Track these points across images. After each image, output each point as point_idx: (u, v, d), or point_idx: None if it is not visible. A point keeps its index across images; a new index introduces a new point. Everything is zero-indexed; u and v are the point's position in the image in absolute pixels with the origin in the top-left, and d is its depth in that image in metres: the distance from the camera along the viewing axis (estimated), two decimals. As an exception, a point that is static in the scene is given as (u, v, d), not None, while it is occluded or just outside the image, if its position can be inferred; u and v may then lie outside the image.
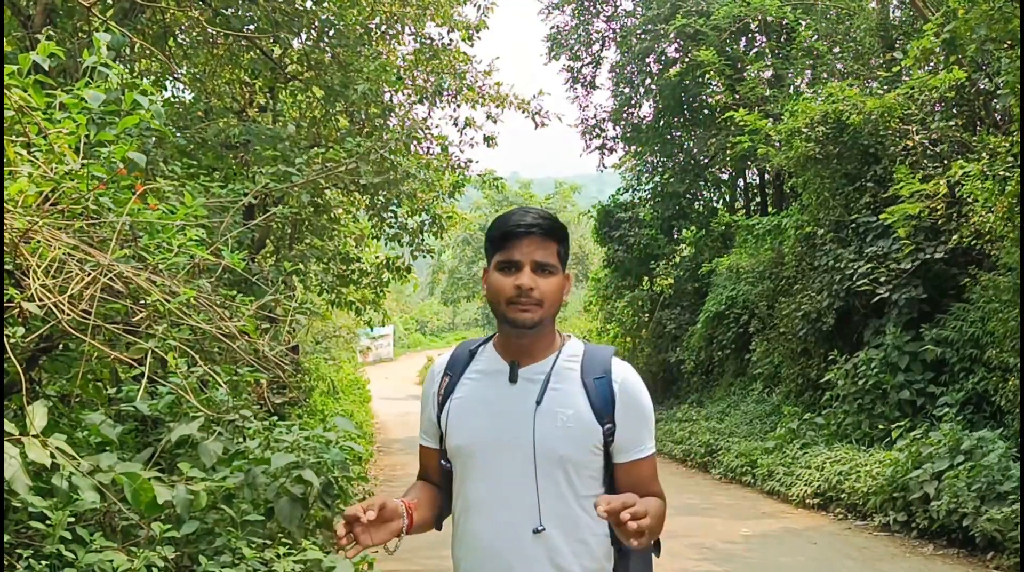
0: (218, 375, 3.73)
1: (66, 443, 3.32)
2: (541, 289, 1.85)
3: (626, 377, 1.92)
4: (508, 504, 1.87)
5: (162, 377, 3.94)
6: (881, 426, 9.67)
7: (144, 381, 3.24)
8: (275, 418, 5.43)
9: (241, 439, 4.82)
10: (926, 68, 10.07)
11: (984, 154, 8.53)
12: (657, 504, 1.91)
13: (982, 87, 9.93)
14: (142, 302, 3.23)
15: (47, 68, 3.48)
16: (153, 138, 5.74)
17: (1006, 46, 8.37)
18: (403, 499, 1.90)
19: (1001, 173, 8.02)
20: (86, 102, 3.49)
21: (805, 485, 9.79)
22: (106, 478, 3.12)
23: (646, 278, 18.53)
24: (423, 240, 11.69)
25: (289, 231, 11.19)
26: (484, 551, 1.89)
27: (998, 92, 8.84)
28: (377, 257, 12.46)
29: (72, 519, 3.21)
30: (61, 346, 3.81)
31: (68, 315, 2.95)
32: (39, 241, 3.11)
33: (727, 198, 20.09)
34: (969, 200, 8.50)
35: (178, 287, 3.30)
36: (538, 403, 1.87)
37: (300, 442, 4.82)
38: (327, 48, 8.88)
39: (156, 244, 3.59)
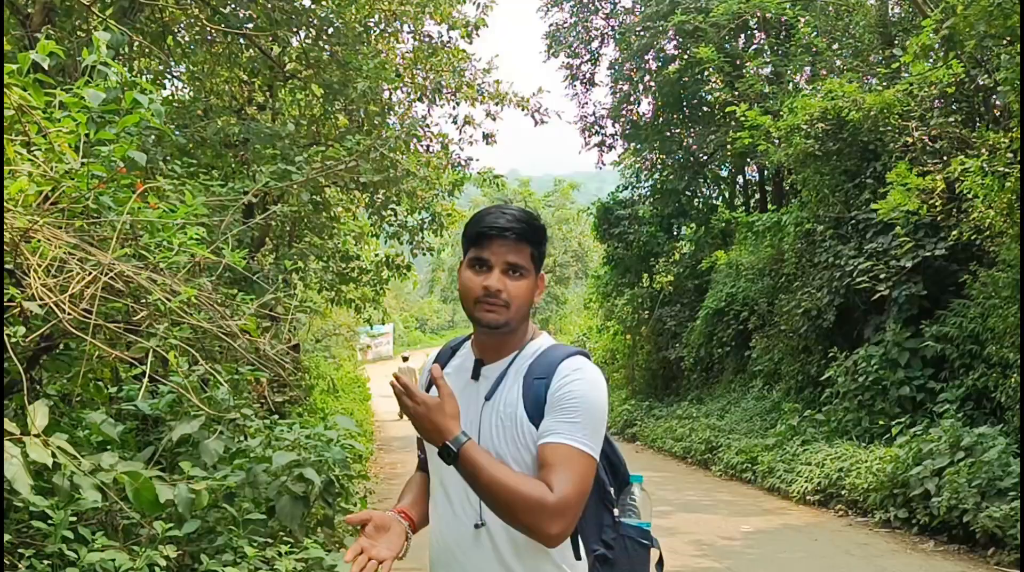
0: (219, 374, 3.73)
1: (67, 442, 3.31)
2: (509, 291, 1.84)
3: (565, 376, 1.82)
4: (456, 498, 1.88)
5: (163, 376, 3.94)
6: (881, 422, 9.68)
7: (145, 380, 3.24)
8: (276, 417, 5.43)
9: (242, 438, 4.82)
10: (926, 64, 10.05)
11: (984, 150, 8.53)
12: (513, 475, 1.75)
13: (981, 83, 9.93)
14: (143, 301, 3.23)
15: (46, 67, 3.47)
16: (153, 136, 5.74)
17: (1005, 42, 8.37)
18: (393, 509, 1.95)
19: (1001, 169, 8.02)
20: (85, 101, 3.48)
21: (806, 482, 9.80)
22: (107, 477, 3.11)
23: (646, 275, 18.53)
24: (423, 238, 11.70)
25: (289, 229, 11.17)
26: (437, 543, 1.93)
27: (997, 88, 8.83)
28: (376, 255, 12.46)
29: (74, 518, 3.21)
30: (62, 345, 3.80)
31: (69, 314, 2.95)
32: (39, 240, 3.11)
33: (727, 195, 20.08)
34: (969, 196, 8.50)
35: (179, 286, 3.30)
36: (487, 399, 1.88)
37: (301, 440, 4.82)
38: (326, 46, 8.86)
39: (156, 243, 3.58)
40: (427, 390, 1.99)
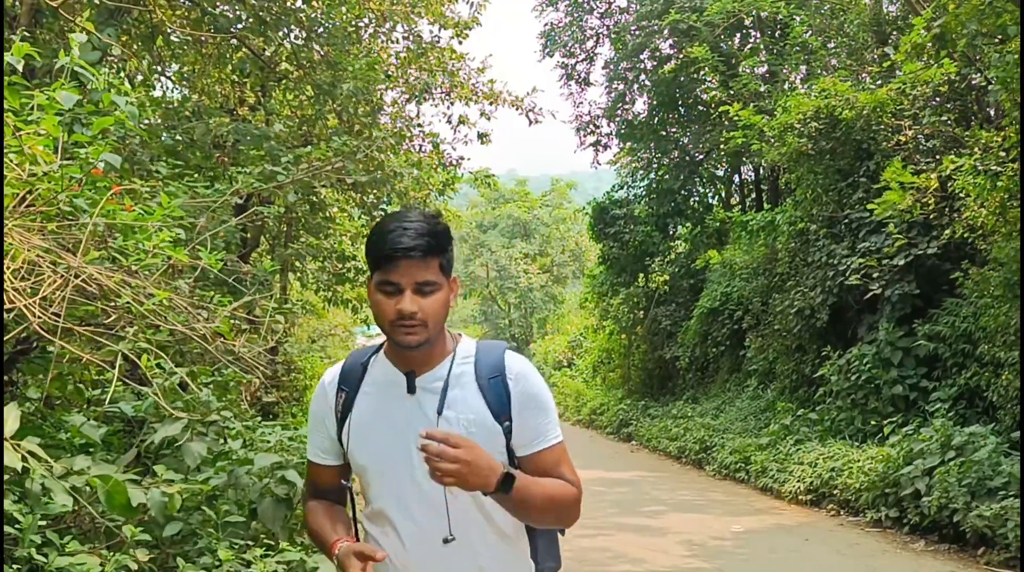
0: (196, 376, 3.71)
1: (49, 445, 3.29)
2: (424, 310, 1.79)
3: (519, 372, 1.90)
4: (416, 518, 1.85)
5: (140, 379, 3.92)
6: (874, 422, 9.67)
7: (114, 382, 3.22)
8: (259, 418, 5.41)
9: (223, 440, 4.79)
10: (918, 63, 10.03)
11: (976, 149, 8.51)
12: (552, 486, 1.87)
13: (974, 82, 9.91)
14: (114, 304, 3.21)
15: (20, 69, 3.45)
16: (139, 138, 5.71)
17: (997, 41, 8.33)
18: (344, 537, 1.90)
19: (993, 168, 8.00)
20: (59, 103, 3.47)
21: (798, 481, 9.79)
22: (81, 481, 3.10)
23: (641, 275, 18.53)
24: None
25: (284, 229, 11.15)
26: (401, 566, 1.86)
27: (990, 87, 8.81)
28: (370, 255, 12.43)
29: (43, 523, 3.18)
30: (40, 348, 3.79)
31: (39, 317, 2.93)
32: (11, 243, 3.09)
33: (722, 194, 20.08)
34: (961, 195, 8.49)
35: (153, 289, 3.28)
36: (439, 413, 1.84)
37: (284, 442, 4.80)
38: (316, 47, 8.83)
39: (132, 245, 3.56)
40: (339, 406, 1.93)
